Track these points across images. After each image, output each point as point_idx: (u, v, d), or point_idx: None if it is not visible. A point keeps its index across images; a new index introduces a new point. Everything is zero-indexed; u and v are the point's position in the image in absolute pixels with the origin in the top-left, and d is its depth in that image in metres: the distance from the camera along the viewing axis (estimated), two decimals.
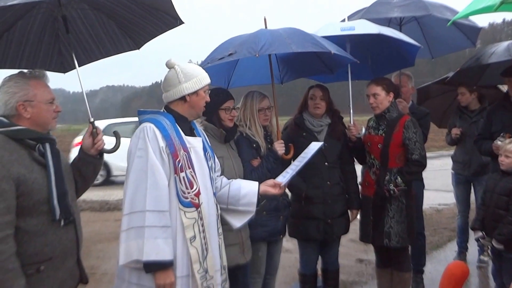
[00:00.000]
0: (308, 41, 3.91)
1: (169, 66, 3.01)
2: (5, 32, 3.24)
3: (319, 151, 3.64)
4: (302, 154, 3.53)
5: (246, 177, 3.69)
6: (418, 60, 4.98)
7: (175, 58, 3.04)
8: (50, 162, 2.62)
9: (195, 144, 2.99)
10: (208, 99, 3.07)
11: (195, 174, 2.88)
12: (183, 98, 2.97)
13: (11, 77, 2.68)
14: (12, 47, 3.31)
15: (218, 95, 3.69)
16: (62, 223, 2.61)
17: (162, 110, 3.02)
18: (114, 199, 10.74)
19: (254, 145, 3.96)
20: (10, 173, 2.44)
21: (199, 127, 3.23)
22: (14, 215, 2.46)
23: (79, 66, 3.26)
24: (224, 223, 3.21)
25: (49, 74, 2.92)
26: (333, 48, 3.91)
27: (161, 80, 3.16)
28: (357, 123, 4.40)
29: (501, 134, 4.36)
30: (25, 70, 2.81)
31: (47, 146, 2.65)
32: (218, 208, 3.11)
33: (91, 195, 11.25)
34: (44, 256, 2.57)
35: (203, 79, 3.01)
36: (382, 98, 4.22)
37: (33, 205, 2.52)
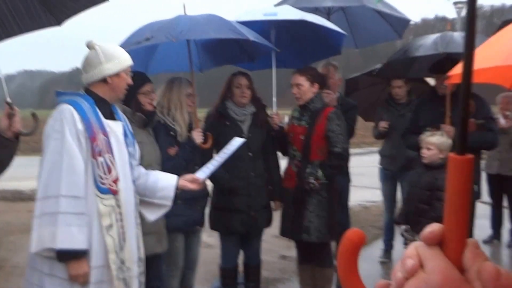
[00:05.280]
0: (227, 28, 4.03)
1: (90, 47, 2.99)
2: None
3: (241, 147, 3.68)
4: (224, 150, 3.56)
5: (161, 165, 3.70)
6: (349, 52, 5.18)
7: (96, 39, 3.01)
8: None
9: (115, 128, 2.99)
10: (130, 81, 3.07)
11: (114, 159, 2.88)
12: (104, 80, 2.96)
13: None
14: None
15: (135, 80, 3.67)
16: None
17: (81, 92, 3.00)
18: (28, 189, 10.36)
19: (172, 133, 3.96)
20: None
21: (120, 111, 3.23)
22: None
23: None
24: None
25: None
26: (252, 36, 4.00)
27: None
28: (279, 112, 4.46)
29: (427, 129, 4.42)
30: None
31: None
32: (137, 197, 3.10)
33: (3, 184, 10.82)
34: None
35: (125, 60, 3.03)
36: (306, 89, 4.27)
37: None
